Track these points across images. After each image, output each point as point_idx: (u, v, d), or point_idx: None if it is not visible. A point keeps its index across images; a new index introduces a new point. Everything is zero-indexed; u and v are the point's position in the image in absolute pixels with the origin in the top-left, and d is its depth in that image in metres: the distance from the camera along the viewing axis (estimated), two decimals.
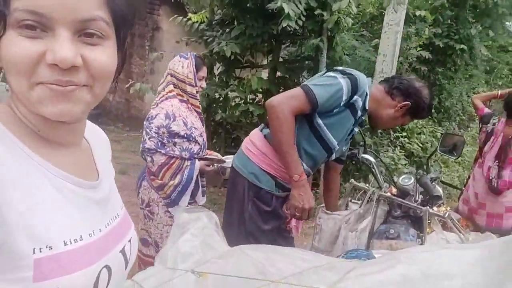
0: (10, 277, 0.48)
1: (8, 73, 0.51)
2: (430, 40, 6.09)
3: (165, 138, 1.98)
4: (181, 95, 2.07)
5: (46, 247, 0.50)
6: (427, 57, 5.33)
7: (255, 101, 4.35)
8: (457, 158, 2.27)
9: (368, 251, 1.49)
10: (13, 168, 0.49)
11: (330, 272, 1.08)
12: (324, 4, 3.59)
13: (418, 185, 1.72)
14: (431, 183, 1.70)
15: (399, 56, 5.46)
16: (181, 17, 4.62)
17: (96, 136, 0.73)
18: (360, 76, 1.60)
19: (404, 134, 4.62)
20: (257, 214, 1.66)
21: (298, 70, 4.30)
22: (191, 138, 2.03)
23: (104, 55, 0.54)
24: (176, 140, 2.00)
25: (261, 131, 1.73)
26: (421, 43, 5.21)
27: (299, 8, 3.37)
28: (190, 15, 4.93)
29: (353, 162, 2.03)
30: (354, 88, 1.55)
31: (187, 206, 2.09)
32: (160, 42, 7.87)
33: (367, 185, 1.96)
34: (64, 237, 0.53)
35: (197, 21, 4.65)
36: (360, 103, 1.61)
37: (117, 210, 0.68)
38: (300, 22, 3.44)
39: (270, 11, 3.57)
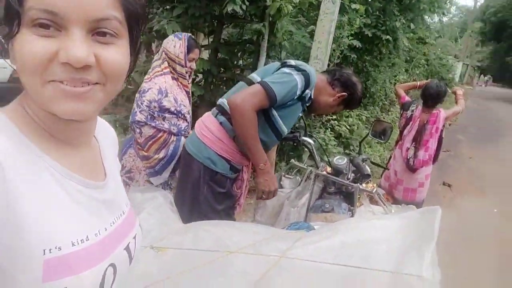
0: (20, 277, 0.49)
1: (21, 72, 0.51)
2: (360, 30, 6.50)
3: (155, 112, 2.05)
4: (173, 73, 2.15)
5: (55, 247, 0.51)
6: (357, 46, 5.71)
7: (195, 81, 4.36)
8: (385, 142, 2.57)
9: (308, 223, 1.68)
10: (23, 168, 0.50)
11: (281, 242, 1.23)
12: None
13: (351, 164, 1.95)
14: (362, 163, 1.93)
15: (332, 43, 5.76)
16: None
17: (104, 134, 0.73)
18: (312, 71, 1.74)
19: (334, 117, 4.98)
20: (212, 196, 1.75)
21: (239, 53, 4.38)
22: (180, 115, 2.11)
23: (118, 54, 0.54)
24: (166, 115, 2.07)
25: (216, 117, 1.79)
26: (352, 32, 5.55)
27: None
28: None
29: (295, 144, 2.20)
30: (307, 83, 1.70)
31: (166, 179, 2.17)
32: None
33: (304, 164, 2.15)
34: (71, 237, 0.53)
35: None
36: (309, 95, 1.79)
37: (122, 207, 0.68)
38: (244, 7, 3.51)
39: None
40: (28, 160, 0.51)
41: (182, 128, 2.17)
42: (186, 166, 1.79)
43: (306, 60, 5.68)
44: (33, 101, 0.54)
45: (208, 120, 1.80)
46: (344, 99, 1.88)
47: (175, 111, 2.10)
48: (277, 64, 1.81)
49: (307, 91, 1.73)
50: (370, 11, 6.65)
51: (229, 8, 3.26)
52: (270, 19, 3.86)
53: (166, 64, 2.15)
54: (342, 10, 5.93)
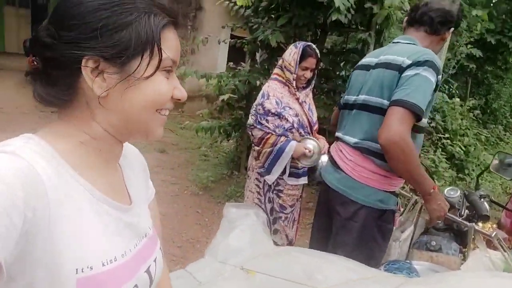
0: None
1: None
2: (482, 36, 5.80)
3: (259, 115, 2.23)
4: (282, 77, 2.27)
5: (87, 267, 0.54)
6: (477, 55, 5.10)
7: None
8: (511, 180, 2.21)
9: (409, 263, 1.51)
10: (61, 189, 0.53)
11: (377, 285, 1.12)
12: None
13: (465, 200, 1.71)
14: (480, 200, 1.68)
15: (447, 52, 5.25)
16: (225, 0, 4.61)
17: (132, 160, 0.77)
18: (430, 53, 1.51)
19: (447, 135, 4.46)
20: (381, 236, 1.63)
21: (342, 63, 4.24)
22: (281, 116, 2.20)
23: None
24: (268, 117, 2.21)
25: (363, 154, 1.60)
26: (471, 39, 4.97)
27: (349, 1, 3.30)
28: None
29: None
30: (437, 71, 1.49)
31: (277, 179, 2.27)
32: (202, 22, 7.91)
33: (410, 192, 1.95)
34: (102, 258, 0.56)
35: (241, 5, 4.64)
36: (440, 79, 1.56)
37: (145, 230, 0.71)
38: (349, 15, 3.38)
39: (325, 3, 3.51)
40: (65, 181, 0.54)
41: (286, 128, 2.23)
42: (354, 213, 1.61)
43: None
44: (117, 125, 0.62)
45: (354, 156, 1.62)
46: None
47: (275, 113, 2.20)
48: (388, 72, 1.54)
49: (438, 77, 1.52)
50: (494, 14, 5.89)
51: (334, 17, 3.17)
52: (377, 27, 3.65)
53: (276, 70, 2.33)
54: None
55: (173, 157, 5.23)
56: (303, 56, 2.21)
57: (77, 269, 0.53)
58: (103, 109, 0.59)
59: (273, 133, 2.22)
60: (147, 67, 0.58)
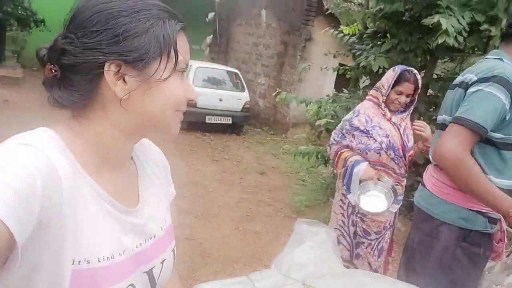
0: (51, 285, 0.53)
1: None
2: None
3: (344, 129, 2.26)
4: (376, 97, 2.27)
5: (85, 260, 0.56)
6: None
7: None
8: None
9: None
10: (71, 181, 0.55)
11: None
12: (493, 18, 3.17)
13: None
14: None
15: None
16: (332, 30, 4.68)
17: (150, 159, 0.78)
18: (503, 66, 1.38)
19: None
20: (469, 260, 1.51)
21: None
22: (369, 134, 2.18)
23: None
24: (355, 133, 2.22)
25: (437, 166, 1.57)
26: None
27: (461, 24, 3.06)
28: (342, 27, 4.97)
29: None
30: (506, 85, 1.34)
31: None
32: (311, 53, 8.11)
33: None
34: (99, 254, 0.58)
35: (348, 34, 4.66)
36: None
37: (154, 232, 0.71)
38: (461, 38, 3.12)
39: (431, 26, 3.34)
40: (74, 174, 0.57)
41: (372, 147, 2.17)
42: (433, 230, 1.55)
43: None
44: (126, 125, 0.64)
45: (437, 173, 1.58)
46: None
47: (364, 130, 2.19)
48: (459, 91, 1.50)
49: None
50: None
51: (440, 41, 2.96)
52: None
53: (372, 91, 2.33)
54: None
55: (272, 180, 5.37)
56: (399, 80, 2.15)
57: (73, 260, 0.55)
58: (120, 111, 0.61)
59: (348, 149, 2.23)
60: (164, 69, 0.61)
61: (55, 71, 0.60)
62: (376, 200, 2.08)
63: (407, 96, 2.19)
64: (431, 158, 1.64)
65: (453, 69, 4.18)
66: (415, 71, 2.20)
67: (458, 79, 1.56)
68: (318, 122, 3.94)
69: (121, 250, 0.62)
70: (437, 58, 3.96)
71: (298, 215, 4.19)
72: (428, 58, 4.01)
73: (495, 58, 1.48)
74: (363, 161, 2.16)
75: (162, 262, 0.71)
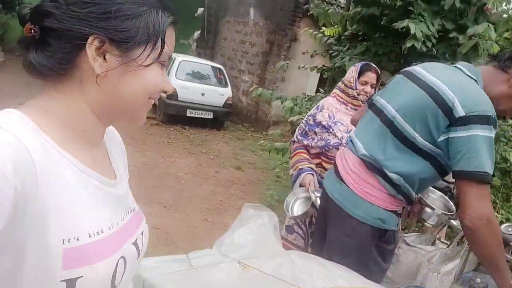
0: (41, 265, 0.53)
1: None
2: None
3: (307, 126, 2.31)
4: (340, 96, 2.33)
5: (74, 238, 0.55)
6: None
7: None
8: None
9: None
10: (48, 163, 0.54)
11: None
12: (462, 27, 3.28)
13: None
14: None
15: None
16: (311, 30, 4.76)
17: (113, 141, 0.80)
18: (487, 103, 1.32)
19: None
20: (380, 257, 1.55)
21: None
22: (330, 130, 2.24)
23: None
24: (316, 129, 2.27)
25: (374, 175, 1.48)
26: None
27: (430, 30, 3.16)
28: (323, 29, 5.05)
29: (447, 196, 1.85)
30: (494, 124, 1.32)
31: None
32: (295, 53, 8.18)
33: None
34: (89, 229, 0.58)
35: (329, 35, 4.74)
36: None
37: (132, 205, 0.74)
38: (429, 44, 3.21)
39: (400, 29, 3.43)
40: (51, 155, 0.56)
41: (331, 144, 2.23)
42: (350, 230, 1.52)
43: None
44: (105, 108, 0.65)
45: (369, 177, 1.50)
46: None
47: (326, 125, 2.24)
48: (431, 105, 1.36)
49: (495, 129, 1.36)
50: None
51: (409, 44, 3.05)
52: (464, 58, 3.39)
53: (335, 90, 2.39)
54: None
55: (247, 175, 5.42)
56: (362, 71, 2.26)
57: (63, 240, 0.54)
58: (97, 89, 0.61)
59: (304, 151, 2.30)
60: (147, 56, 0.62)
61: (35, 31, 0.58)
62: (302, 204, 2.16)
63: (372, 86, 2.28)
64: (353, 139, 1.58)
65: None
66: (373, 64, 2.34)
67: (425, 76, 1.41)
68: (290, 119, 4.00)
69: (109, 224, 0.63)
70: (409, 63, 4.05)
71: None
72: (402, 62, 4.11)
73: (471, 78, 1.41)
74: (309, 170, 2.22)
75: (142, 233, 0.73)
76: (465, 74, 1.41)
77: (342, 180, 1.55)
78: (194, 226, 3.59)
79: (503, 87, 1.41)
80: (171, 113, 7.14)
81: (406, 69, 1.58)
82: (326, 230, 1.65)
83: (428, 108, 1.36)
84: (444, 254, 1.77)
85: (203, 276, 1.31)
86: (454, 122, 1.30)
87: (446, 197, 1.78)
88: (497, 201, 3.78)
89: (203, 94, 7.44)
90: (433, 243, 1.94)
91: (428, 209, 1.63)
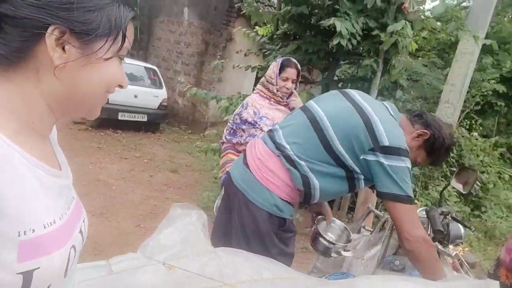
0: None
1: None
2: None
3: (235, 125, 2.36)
4: (263, 92, 2.39)
5: (30, 229, 0.55)
6: (502, 91, 4.84)
7: None
8: (466, 193, 2.04)
9: (351, 275, 1.39)
10: None
11: (287, 284, 1.03)
12: (383, 25, 3.48)
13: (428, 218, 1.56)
14: (440, 217, 1.53)
15: (470, 88, 5.04)
16: (244, 29, 4.77)
17: (53, 132, 0.78)
18: (403, 141, 1.46)
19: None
20: (282, 243, 1.61)
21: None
22: (256, 125, 2.29)
23: None
24: (243, 127, 2.32)
25: (282, 163, 1.55)
26: (497, 75, 4.74)
27: (355, 27, 3.30)
28: (257, 28, 5.09)
29: (373, 191, 1.91)
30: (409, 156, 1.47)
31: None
32: (231, 53, 8.16)
33: (381, 211, 1.83)
34: (43, 220, 0.58)
35: (263, 35, 4.78)
36: None
37: (73, 193, 0.74)
38: (355, 42, 3.36)
39: (328, 28, 3.55)
40: (1, 148, 0.54)
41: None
42: (249, 215, 1.56)
43: (436, 104, 5.08)
44: (62, 101, 0.63)
45: (273, 164, 1.56)
46: (425, 141, 1.54)
47: (252, 122, 2.30)
48: (358, 121, 1.47)
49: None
50: None
51: (335, 42, 3.16)
52: (385, 55, 3.60)
53: (257, 86, 2.46)
54: (486, 50, 5.17)
55: (183, 178, 5.28)
56: (282, 68, 2.32)
57: (19, 232, 0.53)
58: (54, 80, 0.59)
59: (233, 151, 2.35)
60: (108, 50, 0.62)
61: None
62: None
63: (293, 82, 2.36)
64: (274, 129, 1.66)
65: (351, 72, 4.49)
66: (293, 59, 2.40)
67: (355, 96, 1.56)
68: (225, 118, 3.97)
69: (60, 214, 0.63)
70: (338, 60, 4.21)
71: (204, 210, 4.15)
72: (331, 60, 4.26)
73: (394, 118, 1.54)
74: None
75: (84, 221, 0.74)
76: (390, 113, 1.54)
77: (247, 166, 1.61)
78: (125, 233, 3.40)
79: (408, 138, 1.52)
80: (102, 117, 6.73)
81: (345, 90, 1.71)
82: (230, 215, 1.69)
83: (357, 127, 1.46)
84: (367, 241, 1.84)
85: (125, 280, 1.24)
86: (378, 148, 1.42)
87: (348, 228, 1.83)
88: (417, 189, 4.07)
89: (136, 96, 7.12)
90: (358, 231, 2.01)
91: (321, 239, 1.68)
